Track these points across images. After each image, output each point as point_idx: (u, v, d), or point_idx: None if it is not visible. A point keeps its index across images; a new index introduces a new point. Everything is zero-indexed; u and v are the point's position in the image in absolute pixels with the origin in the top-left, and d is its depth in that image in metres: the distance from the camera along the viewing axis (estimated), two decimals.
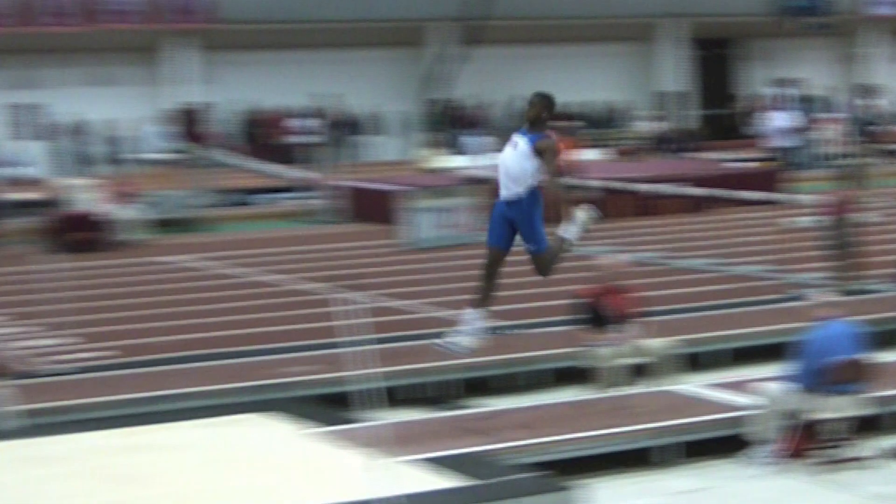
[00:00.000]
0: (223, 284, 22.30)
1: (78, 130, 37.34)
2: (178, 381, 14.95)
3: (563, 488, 10.77)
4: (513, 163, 10.34)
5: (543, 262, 10.46)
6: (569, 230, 10.74)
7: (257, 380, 14.93)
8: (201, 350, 16.64)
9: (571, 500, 10.63)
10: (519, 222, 10.44)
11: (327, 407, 13.78)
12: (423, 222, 24.21)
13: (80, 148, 37.05)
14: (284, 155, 37.18)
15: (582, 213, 10.78)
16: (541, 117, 10.60)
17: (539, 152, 10.37)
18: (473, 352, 10.65)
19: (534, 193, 10.40)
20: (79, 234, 26.80)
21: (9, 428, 13.13)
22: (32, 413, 13.58)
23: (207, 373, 15.41)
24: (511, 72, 41.59)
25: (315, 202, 31.88)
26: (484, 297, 10.68)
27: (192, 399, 14.32)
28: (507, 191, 10.41)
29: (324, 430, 12.70)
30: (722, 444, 12.86)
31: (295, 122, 39.21)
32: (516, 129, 10.90)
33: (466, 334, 10.68)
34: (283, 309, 19.54)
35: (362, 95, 40.06)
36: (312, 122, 39.02)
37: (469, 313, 10.74)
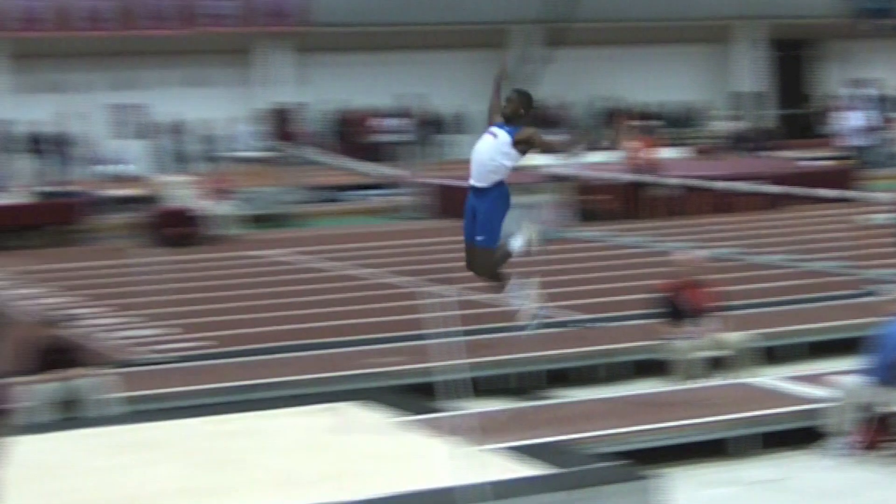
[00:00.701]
0: (314, 278, 22.58)
1: (176, 129, 37.98)
2: (272, 371, 15.24)
3: (642, 477, 10.87)
4: (487, 155, 10.12)
5: (484, 260, 10.03)
6: (516, 242, 10.46)
7: (348, 370, 15.21)
8: (294, 340, 16.94)
9: (650, 488, 10.73)
10: (480, 212, 10.18)
11: (415, 396, 13.98)
12: (508, 218, 24.48)
13: (177, 146, 37.68)
14: (373, 153, 37.57)
15: (531, 230, 10.48)
16: (518, 113, 10.39)
17: (524, 141, 10.17)
18: (540, 303, 10.35)
19: (502, 190, 10.13)
20: (176, 228, 27.23)
21: (110, 414, 13.58)
22: (132, 400, 13.99)
23: (300, 362, 15.69)
24: (592, 73, 41.83)
25: (402, 199, 32.20)
26: (498, 284, 10.41)
27: (286, 388, 14.61)
28: (476, 180, 10.24)
29: (411, 418, 12.91)
30: (798, 435, 12.92)
31: (383, 122, 39.62)
32: (495, 125, 10.72)
33: (526, 306, 10.50)
34: (372, 301, 19.76)
35: (447, 95, 40.41)
36: (399, 122, 39.42)
37: (506, 296, 10.56)
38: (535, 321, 10.10)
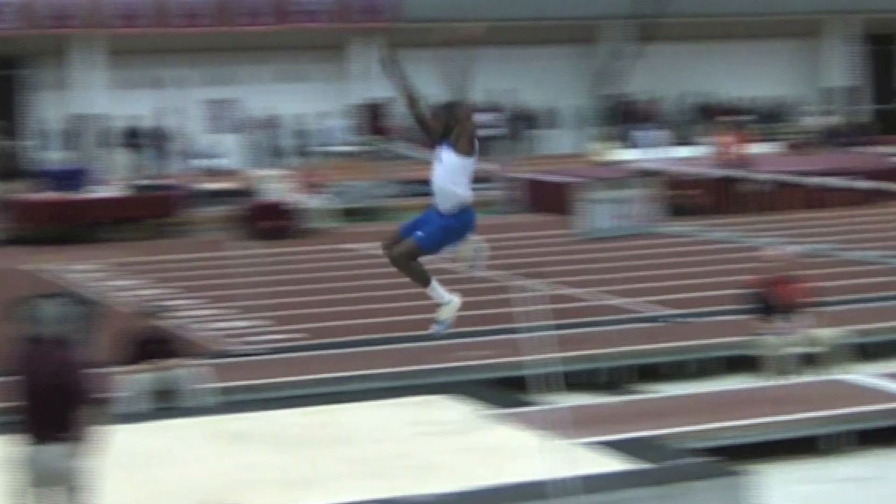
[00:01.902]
0: None
1: (269, 124, 38.31)
2: (363, 363, 15.36)
3: (733, 473, 10.85)
4: (442, 180, 9.64)
5: (405, 252, 9.52)
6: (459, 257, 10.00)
7: (439, 363, 15.27)
8: (385, 333, 17.01)
9: (742, 485, 10.69)
10: (435, 223, 9.65)
11: (505, 390, 14.02)
12: (599, 213, 24.46)
13: (271, 141, 38.01)
14: None
15: (470, 247, 10.00)
16: (450, 126, 9.79)
17: (460, 138, 9.63)
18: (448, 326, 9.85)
19: (467, 216, 9.69)
20: (270, 222, 27.46)
21: (204, 405, 13.74)
22: (226, 391, 14.16)
23: (391, 355, 15.78)
24: (683, 68, 41.64)
25: (493, 193, 32.24)
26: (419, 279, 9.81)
27: (376, 380, 14.73)
28: (441, 206, 9.73)
29: (502, 412, 12.95)
30: (892, 433, 12.83)
31: (475, 117, 39.64)
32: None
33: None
34: (463, 295, 19.79)
35: (537, 91, 40.43)
36: (491, 117, 39.47)
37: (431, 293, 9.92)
38: (439, 327, 9.71)
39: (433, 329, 9.69)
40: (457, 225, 9.69)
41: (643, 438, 11.98)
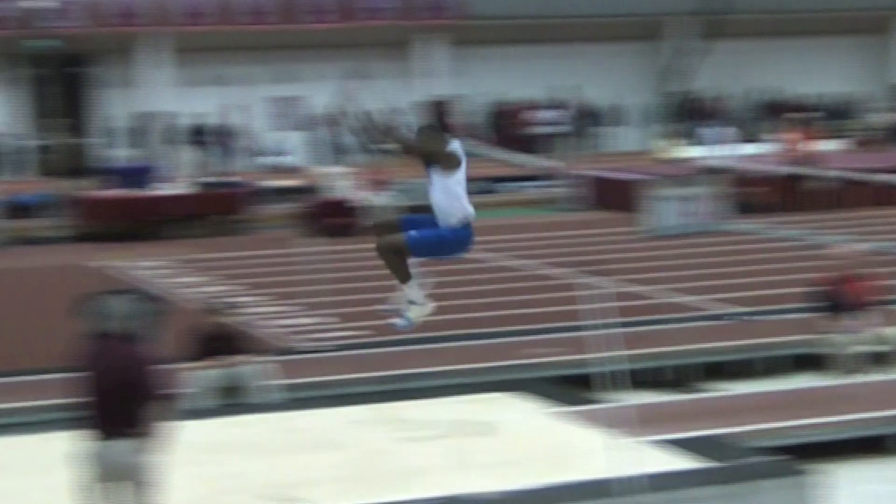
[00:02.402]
0: (470, 268, 22.67)
1: (334, 121, 38.39)
2: (428, 360, 15.36)
3: (801, 472, 10.81)
4: (440, 200, 9.42)
5: (392, 244, 9.36)
6: (406, 302, 9.60)
7: (504, 360, 15.28)
8: (451, 331, 16.93)
9: (808, 484, 10.65)
10: (430, 230, 9.43)
11: (570, 388, 14.01)
12: (665, 210, 24.37)
13: (335, 138, 38.12)
14: (529, 145, 37.62)
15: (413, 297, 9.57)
16: (431, 151, 9.49)
17: (433, 156, 9.42)
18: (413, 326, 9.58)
19: (465, 231, 9.45)
20: (335, 219, 27.56)
21: (271, 401, 13.79)
22: (291, 387, 14.19)
23: (455, 353, 15.79)
24: (749, 64, 41.37)
25: (558, 190, 32.23)
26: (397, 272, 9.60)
27: (441, 377, 14.73)
28: (443, 222, 9.45)
29: (567, 409, 12.95)
30: None
31: (539, 114, 39.64)
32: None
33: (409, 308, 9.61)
34: (528, 293, 19.79)
35: (602, 88, 40.30)
36: (556, 114, 39.42)
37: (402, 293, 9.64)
38: (402, 322, 9.45)
39: (396, 321, 9.53)
40: (453, 239, 9.48)
41: (710, 437, 11.93)
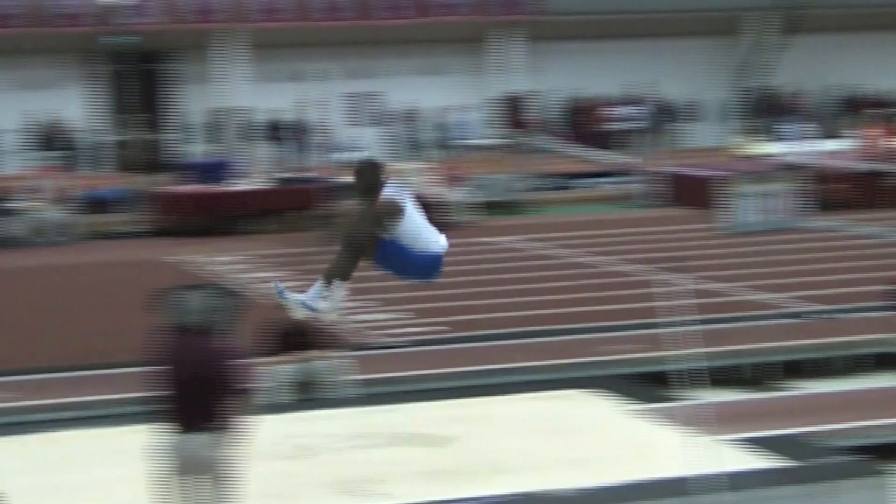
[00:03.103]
0: (546, 265, 22.65)
1: (409, 117, 38.47)
2: (504, 357, 15.33)
3: (880, 472, 10.70)
4: (405, 245, 9.30)
5: (357, 242, 9.16)
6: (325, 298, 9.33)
7: (580, 357, 15.23)
8: (526, 327, 17.01)
9: (888, 484, 10.55)
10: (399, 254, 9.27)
11: (647, 385, 13.93)
12: (744, 207, 24.19)
13: (411, 134, 38.17)
14: (604, 141, 37.48)
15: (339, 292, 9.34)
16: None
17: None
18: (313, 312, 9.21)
19: (435, 259, 9.33)
20: None
21: (346, 396, 13.82)
22: (367, 383, 14.20)
23: (532, 349, 15.75)
24: (828, 60, 40.96)
25: (634, 187, 32.07)
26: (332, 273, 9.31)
27: (517, 374, 14.69)
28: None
29: (644, 407, 12.88)
30: None
31: (615, 110, 39.48)
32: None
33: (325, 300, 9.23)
34: (604, 289, 19.75)
35: (678, 83, 40.06)
36: (633, 110, 39.24)
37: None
38: (299, 299, 9.15)
39: (291, 295, 9.14)
40: (420, 261, 9.29)
41: (788, 436, 11.85)
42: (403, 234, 9.20)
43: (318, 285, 9.13)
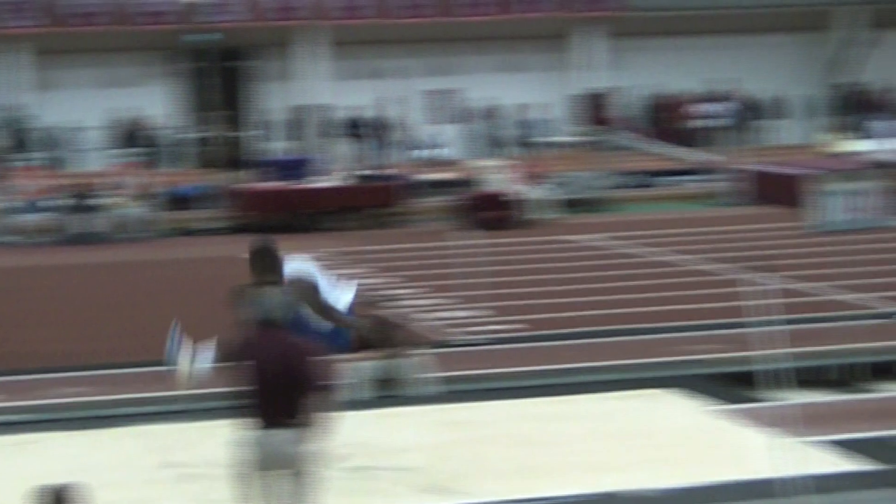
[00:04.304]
0: (627, 263, 22.54)
1: (490, 114, 38.39)
2: (585, 355, 15.26)
3: None
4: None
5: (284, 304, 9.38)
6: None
7: (662, 356, 15.10)
8: (606, 326, 16.93)
9: None
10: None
11: (732, 385, 13.77)
12: (832, 205, 23.80)
13: (491, 131, 38.09)
14: (687, 138, 37.21)
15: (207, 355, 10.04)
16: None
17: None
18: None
19: (341, 335, 10.14)
20: (491, 212, 27.55)
21: (426, 393, 13.79)
22: (447, 380, 14.16)
23: (612, 348, 15.67)
24: None
25: (718, 184, 31.82)
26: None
27: (598, 373, 14.60)
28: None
29: (728, 407, 12.74)
30: None
31: (700, 107, 39.15)
32: None
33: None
34: (687, 288, 19.61)
35: (763, 80, 39.64)
36: (717, 106, 38.89)
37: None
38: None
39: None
40: (328, 333, 9.94)
41: (877, 438, 11.67)
42: (311, 313, 9.91)
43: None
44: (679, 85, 39.46)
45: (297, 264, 9.54)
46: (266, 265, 9.86)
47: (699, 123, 38.56)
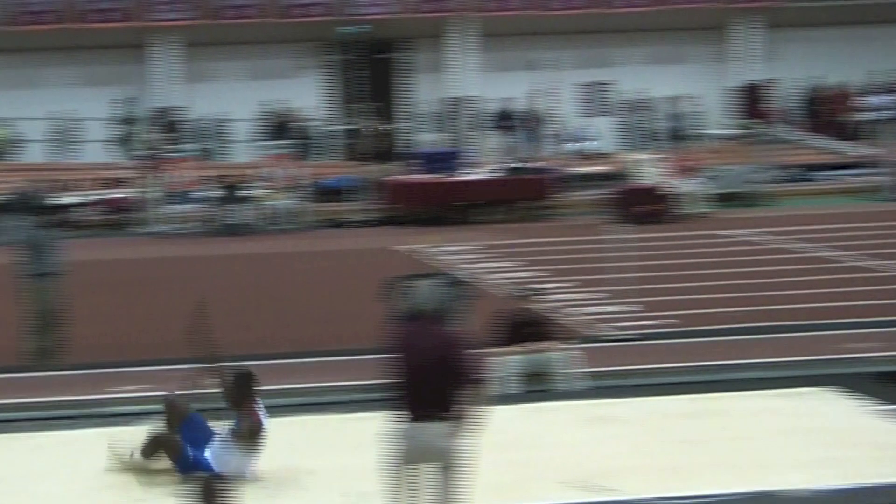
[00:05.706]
0: (783, 259, 22.15)
1: (643, 106, 37.99)
2: (738, 352, 14.99)
3: None
4: None
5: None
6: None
7: (820, 354, 14.74)
8: (760, 322, 16.59)
9: None
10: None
11: (893, 384, 13.39)
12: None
13: (644, 123, 37.70)
14: (847, 131, 36.40)
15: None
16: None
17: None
18: None
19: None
20: (644, 206, 27.24)
21: (576, 388, 13.62)
22: (596, 375, 13.98)
23: (768, 344, 15.37)
24: None
25: (881, 179, 31.11)
26: None
27: (752, 370, 14.33)
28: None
29: (890, 407, 12.40)
30: None
31: (868, 99, 38.20)
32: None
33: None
34: (845, 285, 19.20)
35: None
36: (884, 99, 37.93)
37: None
38: None
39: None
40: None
41: None
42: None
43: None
44: (838, 76, 38.59)
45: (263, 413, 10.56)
46: (239, 393, 10.44)
47: (864, 116, 37.65)
